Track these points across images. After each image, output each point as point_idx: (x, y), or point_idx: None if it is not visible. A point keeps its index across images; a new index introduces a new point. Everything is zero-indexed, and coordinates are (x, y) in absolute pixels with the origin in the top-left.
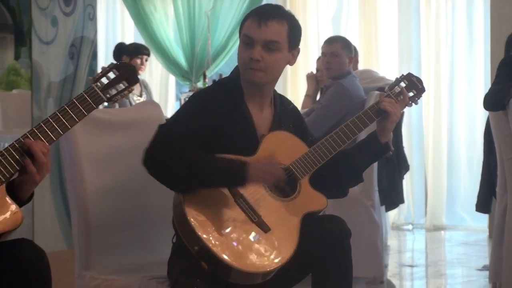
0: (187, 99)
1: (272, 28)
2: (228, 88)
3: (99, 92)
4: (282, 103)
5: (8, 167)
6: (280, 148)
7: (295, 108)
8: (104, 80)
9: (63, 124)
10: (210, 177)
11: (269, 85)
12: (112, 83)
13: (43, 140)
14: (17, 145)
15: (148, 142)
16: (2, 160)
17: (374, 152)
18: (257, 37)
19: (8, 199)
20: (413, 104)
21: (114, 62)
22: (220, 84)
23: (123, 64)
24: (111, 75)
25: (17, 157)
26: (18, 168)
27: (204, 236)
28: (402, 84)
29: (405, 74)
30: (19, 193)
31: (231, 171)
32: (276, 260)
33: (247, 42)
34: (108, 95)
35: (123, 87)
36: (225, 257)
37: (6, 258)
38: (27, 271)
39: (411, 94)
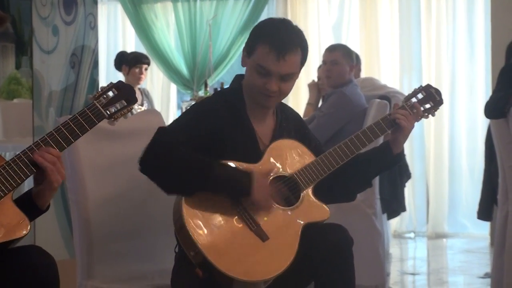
0: (188, 107)
1: (289, 62)
2: (230, 100)
3: (101, 108)
4: (283, 110)
5: (15, 177)
6: (285, 156)
7: (296, 114)
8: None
9: (67, 138)
10: (215, 183)
11: None
12: (112, 101)
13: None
14: (23, 157)
15: (148, 142)
16: (9, 171)
17: (385, 162)
18: (275, 70)
19: (16, 208)
20: (429, 115)
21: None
22: (222, 95)
23: (122, 84)
24: (110, 93)
25: (23, 168)
26: (24, 179)
27: (201, 241)
28: (420, 96)
29: (423, 85)
30: (38, 201)
31: (237, 181)
32: (272, 269)
33: (262, 73)
34: (108, 112)
35: (122, 106)
36: (220, 264)
37: (15, 265)
38: (36, 277)
39: (428, 106)
